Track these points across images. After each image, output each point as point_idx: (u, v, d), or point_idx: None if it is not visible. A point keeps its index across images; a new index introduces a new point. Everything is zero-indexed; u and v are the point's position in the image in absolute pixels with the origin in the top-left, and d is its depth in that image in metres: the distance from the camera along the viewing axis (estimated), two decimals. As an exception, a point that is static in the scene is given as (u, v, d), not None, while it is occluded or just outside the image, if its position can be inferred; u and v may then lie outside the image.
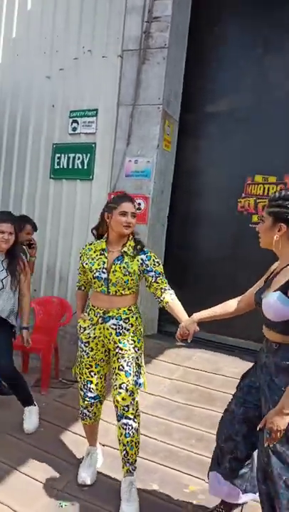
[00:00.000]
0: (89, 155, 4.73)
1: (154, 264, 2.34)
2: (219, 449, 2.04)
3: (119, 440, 2.32)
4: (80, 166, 4.80)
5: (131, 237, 2.40)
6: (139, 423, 2.33)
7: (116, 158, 4.57)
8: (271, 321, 1.74)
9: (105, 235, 2.42)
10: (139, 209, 4.38)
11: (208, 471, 2.12)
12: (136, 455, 2.33)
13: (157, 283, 2.32)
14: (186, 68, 4.71)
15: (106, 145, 4.66)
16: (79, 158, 4.79)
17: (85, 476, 2.45)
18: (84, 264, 2.41)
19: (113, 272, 2.30)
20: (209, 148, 4.75)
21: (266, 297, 1.76)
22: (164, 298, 2.29)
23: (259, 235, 1.86)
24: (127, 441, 2.28)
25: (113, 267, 2.30)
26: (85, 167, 4.76)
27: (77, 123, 4.83)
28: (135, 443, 2.31)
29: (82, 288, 2.58)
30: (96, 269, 2.33)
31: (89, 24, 4.81)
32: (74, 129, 4.85)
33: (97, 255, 2.37)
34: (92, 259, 2.37)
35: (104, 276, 2.31)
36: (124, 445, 2.29)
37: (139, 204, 4.39)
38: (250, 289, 2.05)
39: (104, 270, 2.32)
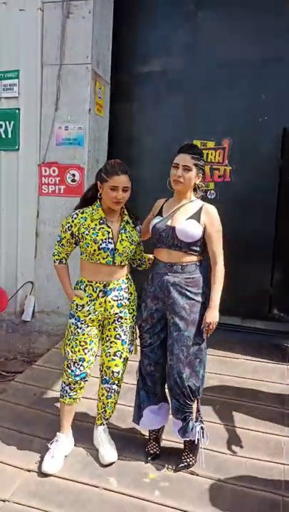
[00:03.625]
0: (13, 122, 4.24)
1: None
2: (150, 381, 2.37)
3: (99, 398, 2.45)
4: (3, 135, 4.29)
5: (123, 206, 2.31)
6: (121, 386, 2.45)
7: (44, 125, 4.13)
8: (181, 243, 2.20)
9: (98, 203, 2.28)
10: (74, 181, 4.06)
11: (138, 413, 2.42)
12: (112, 412, 2.48)
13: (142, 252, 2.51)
14: (114, 25, 4.33)
15: (32, 110, 4.19)
16: (1, 126, 4.27)
17: (48, 466, 2.29)
18: (84, 235, 2.21)
19: (120, 241, 2.24)
20: (144, 112, 4.47)
21: (180, 224, 2.21)
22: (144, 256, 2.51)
23: (181, 180, 2.21)
24: (108, 402, 2.42)
25: (120, 236, 2.24)
26: (9, 136, 4.27)
27: (-3, 86, 4.30)
28: (114, 403, 2.46)
29: (64, 261, 2.39)
30: (102, 239, 2.19)
31: (1, -29, 4.23)
32: (-7, 93, 4.32)
33: (96, 225, 2.22)
34: (93, 230, 2.21)
35: (111, 246, 2.21)
36: (104, 404, 2.43)
37: (74, 175, 4.05)
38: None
39: (110, 240, 2.21)
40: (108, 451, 2.38)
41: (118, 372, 2.36)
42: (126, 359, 2.38)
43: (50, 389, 3.12)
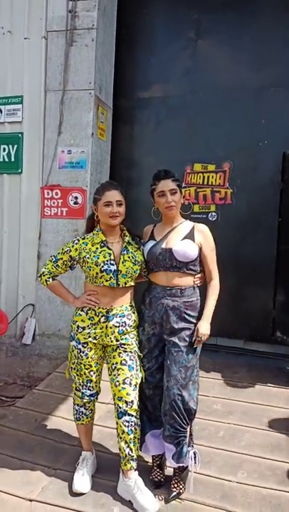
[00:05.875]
0: (16, 146, 4.31)
1: None
2: (150, 405, 2.32)
3: (120, 438, 2.25)
4: (6, 159, 4.35)
5: (123, 227, 2.33)
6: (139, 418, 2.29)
7: (47, 149, 4.19)
8: (180, 263, 2.22)
9: (98, 227, 2.31)
10: (76, 203, 4.08)
11: (140, 438, 2.31)
12: (138, 450, 2.30)
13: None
14: (116, 52, 4.45)
15: (35, 135, 4.27)
16: (5, 149, 4.35)
17: (80, 485, 2.29)
18: (86, 259, 2.22)
19: (123, 262, 2.23)
20: (146, 136, 4.55)
21: (176, 245, 2.23)
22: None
23: (173, 204, 2.24)
24: (130, 439, 2.23)
25: (122, 257, 2.24)
26: (13, 159, 4.34)
27: (1, 111, 4.38)
28: (137, 438, 2.28)
29: (56, 278, 2.38)
30: (103, 261, 2.20)
31: (7, 2, 4.37)
32: (-3, 118, 4.39)
33: (97, 248, 2.24)
34: (94, 253, 2.23)
35: (113, 268, 2.21)
36: (126, 442, 2.24)
37: (76, 198, 4.08)
38: None
39: (112, 262, 2.21)
40: (150, 498, 2.19)
41: (132, 402, 2.22)
42: (136, 386, 2.26)
43: (52, 414, 3.06)
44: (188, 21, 4.36)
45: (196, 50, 4.37)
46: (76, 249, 2.26)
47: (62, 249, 2.32)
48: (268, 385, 3.45)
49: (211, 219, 4.22)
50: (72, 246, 2.28)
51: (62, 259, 2.30)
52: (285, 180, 3.98)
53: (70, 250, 2.28)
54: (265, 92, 4.09)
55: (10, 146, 4.34)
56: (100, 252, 2.22)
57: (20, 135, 4.32)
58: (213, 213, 4.25)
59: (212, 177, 4.28)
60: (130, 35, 4.57)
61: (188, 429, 2.27)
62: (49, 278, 2.34)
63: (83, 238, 2.31)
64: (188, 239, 2.25)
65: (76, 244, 2.28)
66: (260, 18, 4.11)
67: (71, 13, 4.11)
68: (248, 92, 4.13)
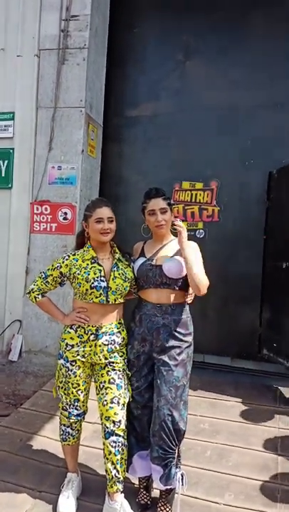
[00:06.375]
0: (6, 161, 4.33)
1: None
2: (138, 425, 2.30)
3: (107, 459, 2.21)
4: (-4, 174, 4.37)
5: (113, 243, 2.33)
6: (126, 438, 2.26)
7: (37, 165, 4.22)
8: (170, 280, 2.22)
9: (88, 244, 2.30)
10: (65, 219, 4.09)
11: (127, 459, 2.27)
12: (125, 472, 2.26)
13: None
14: (107, 71, 4.53)
15: (25, 150, 4.30)
16: (-5, 165, 4.36)
17: (65, 508, 2.26)
18: (76, 275, 2.21)
19: (113, 278, 2.22)
20: (135, 153, 4.61)
21: (165, 262, 2.23)
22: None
23: (163, 223, 2.26)
24: (117, 459, 2.20)
25: (112, 274, 2.23)
26: (3, 174, 4.35)
27: (-8, 127, 4.41)
28: (124, 459, 2.25)
29: (45, 295, 2.35)
30: (93, 278, 2.19)
31: (0, 20, 4.43)
32: (-12, 133, 4.41)
33: (88, 264, 2.23)
34: (85, 269, 2.21)
35: (103, 284, 2.20)
36: (113, 463, 2.20)
37: (66, 213, 4.09)
38: None
39: (102, 278, 2.20)
40: None
41: (119, 422, 2.19)
42: (124, 405, 2.23)
43: (37, 434, 3.01)
44: (178, 41, 4.46)
45: (185, 71, 4.47)
46: (67, 265, 2.25)
47: (53, 266, 2.30)
48: (255, 403, 3.46)
49: (198, 236, 4.27)
50: (63, 262, 2.27)
51: (52, 275, 2.29)
52: (270, 198, 4.05)
53: (61, 266, 2.26)
54: (252, 112, 4.18)
55: (0, 162, 4.36)
56: (91, 269, 2.21)
57: (11, 151, 4.34)
58: (201, 230, 4.29)
59: (200, 195, 4.34)
60: (121, 54, 4.65)
61: (176, 450, 2.25)
62: (38, 295, 2.32)
63: (74, 254, 2.29)
64: (178, 255, 2.25)
65: (66, 260, 2.27)
66: (248, 40, 4.22)
67: (63, 33, 4.19)
68: (235, 111, 4.22)
